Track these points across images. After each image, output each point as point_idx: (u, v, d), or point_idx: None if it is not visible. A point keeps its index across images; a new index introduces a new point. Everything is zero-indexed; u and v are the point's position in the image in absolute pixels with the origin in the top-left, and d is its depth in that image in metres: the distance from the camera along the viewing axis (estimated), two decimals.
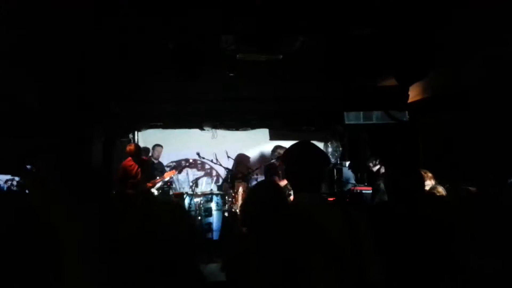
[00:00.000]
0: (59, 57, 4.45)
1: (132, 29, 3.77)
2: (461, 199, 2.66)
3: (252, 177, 8.08)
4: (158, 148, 8.53)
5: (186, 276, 1.84)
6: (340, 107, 6.62)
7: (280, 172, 6.67)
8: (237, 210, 6.54)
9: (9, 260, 1.51)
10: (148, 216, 1.91)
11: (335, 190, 7.80)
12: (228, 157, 8.36)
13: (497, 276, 1.99)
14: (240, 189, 7.22)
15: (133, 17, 3.52)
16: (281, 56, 4.26)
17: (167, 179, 7.55)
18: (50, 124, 5.45)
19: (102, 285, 2.06)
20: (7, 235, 1.56)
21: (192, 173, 8.26)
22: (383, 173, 6.60)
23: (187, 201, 7.92)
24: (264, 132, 9.42)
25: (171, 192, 8.04)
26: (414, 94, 5.91)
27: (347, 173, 8.02)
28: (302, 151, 2.24)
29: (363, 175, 8.13)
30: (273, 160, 7.46)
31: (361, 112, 6.60)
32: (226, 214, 7.63)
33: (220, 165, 8.07)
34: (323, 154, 2.27)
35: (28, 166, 4.38)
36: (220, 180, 9.29)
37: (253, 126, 9.12)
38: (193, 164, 8.34)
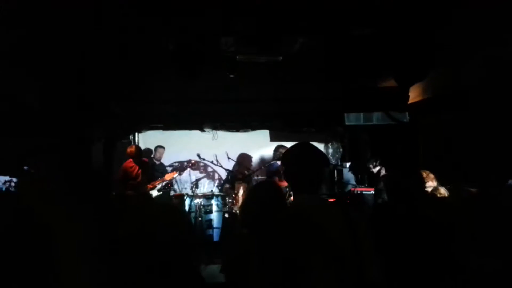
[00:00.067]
0: (59, 57, 4.45)
1: (132, 29, 3.77)
2: (462, 199, 2.65)
3: (253, 178, 8.08)
4: (160, 149, 8.54)
5: (184, 277, 1.84)
6: (341, 108, 6.62)
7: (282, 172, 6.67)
8: (238, 211, 6.53)
9: (8, 261, 1.51)
10: (146, 217, 1.91)
11: (336, 191, 7.80)
12: (229, 158, 8.37)
13: (497, 276, 1.99)
14: (241, 190, 7.22)
15: (133, 17, 3.52)
16: (281, 57, 4.25)
17: (167, 180, 7.55)
18: (50, 124, 5.45)
19: (101, 286, 2.06)
20: (5, 236, 1.55)
21: (193, 175, 8.26)
22: (383, 175, 6.60)
23: (187, 202, 7.93)
24: (265, 134, 9.42)
25: (171, 193, 8.04)
26: (414, 95, 5.90)
27: (348, 174, 8.03)
28: (302, 152, 2.25)
29: (364, 176, 8.13)
30: (277, 162, 7.45)
31: (361, 113, 6.60)
32: (226, 215, 7.63)
33: (221, 166, 8.07)
34: (322, 155, 2.28)
35: (25, 167, 4.37)
36: (221, 181, 9.29)
37: (254, 128, 9.13)
38: (193, 166, 8.33)
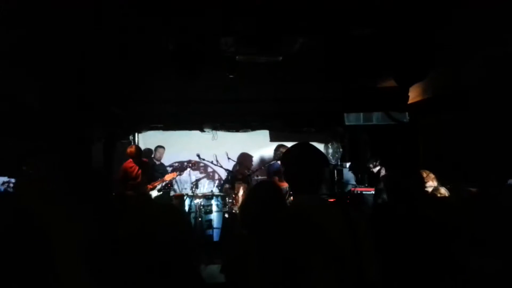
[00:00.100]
0: (59, 57, 4.45)
1: (132, 29, 3.77)
2: (462, 199, 2.65)
3: (253, 178, 8.08)
4: (160, 150, 8.54)
5: (184, 277, 1.84)
6: (340, 108, 6.62)
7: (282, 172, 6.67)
8: (238, 211, 6.53)
9: (7, 261, 1.51)
10: (146, 218, 1.91)
11: (336, 191, 7.80)
12: (229, 158, 8.37)
13: (497, 276, 1.98)
14: (241, 190, 7.22)
15: (133, 17, 3.52)
16: (281, 58, 4.25)
17: (167, 181, 7.55)
18: (50, 124, 5.44)
19: (101, 286, 2.06)
20: (5, 236, 1.55)
21: (193, 175, 8.26)
22: (383, 175, 6.60)
23: (187, 202, 7.93)
24: (265, 134, 9.42)
25: (171, 194, 8.04)
26: (414, 95, 5.90)
27: (348, 174, 8.04)
28: (301, 152, 2.25)
29: (364, 176, 8.14)
30: (278, 162, 7.45)
31: (361, 113, 6.60)
32: (226, 215, 7.63)
33: (221, 166, 8.07)
34: (322, 155, 2.28)
35: (24, 168, 4.37)
36: (221, 182, 9.29)
37: (254, 128, 9.13)
38: (193, 166, 8.33)
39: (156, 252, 1.79)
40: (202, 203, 7.68)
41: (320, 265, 1.91)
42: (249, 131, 9.18)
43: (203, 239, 7.51)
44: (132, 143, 8.64)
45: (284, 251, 1.94)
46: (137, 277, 1.79)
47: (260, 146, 9.33)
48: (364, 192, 6.99)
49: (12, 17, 3.37)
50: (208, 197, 7.86)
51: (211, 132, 9.00)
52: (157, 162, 8.37)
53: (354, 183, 7.80)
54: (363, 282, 2.01)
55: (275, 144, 8.32)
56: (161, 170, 8.19)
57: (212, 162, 8.09)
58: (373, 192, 6.51)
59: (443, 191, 3.45)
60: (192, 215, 7.57)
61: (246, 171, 8.32)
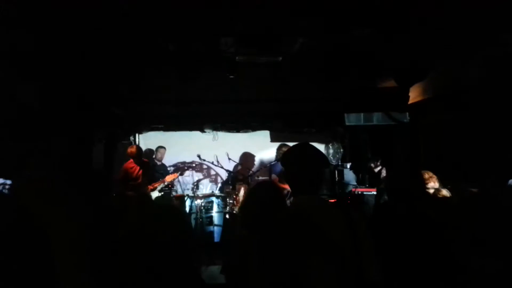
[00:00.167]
0: (59, 57, 4.45)
1: (132, 29, 3.77)
2: (462, 199, 2.65)
3: (254, 178, 8.08)
4: (161, 150, 8.54)
5: (184, 278, 1.84)
6: (341, 108, 6.62)
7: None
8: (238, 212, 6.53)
9: (7, 262, 1.50)
10: (146, 218, 1.91)
11: (336, 192, 7.79)
12: (229, 159, 8.37)
13: (498, 277, 1.98)
14: (241, 191, 7.22)
15: (133, 17, 3.52)
16: (281, 58, 4.25)
17: (168, 182, 7.55)
18: (50, 125, 5.45)
19: (101, 286, 2.06)
20: (3, 237, 1.55)
21: (194, 176, 8.26)
22: (385, 176, 6.60)
23: (188, 203, 7.93)
24: (265, 134, 9.42)
25: (172, 194, 8.04)
26: (414, 95, 5.90)
27: (348, 174, 8.03)
28: (301, 153, 2.25)
29: (364, 176, 8.14)
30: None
31: (362, 114, 6.60)
32: (227, 216, 7.63)
33: (221, 167, 8.07)
34: (322, 155, 2.28)
35: (23, 168, 4.37)
36: (222, 182, 9.29)
37: (254, 128, 9.14)
38: (194, 167, 8.33)
39: (156, 253, 1.79)
40: (202, 204, 7.68)
41: (320, 265, 1.91)
42: (249, 132, 9.19)
43: (204, 240, 7.51)
44: (133, 144, 8.64)
45: (284, 251, 1.94)
46: (137, 277, 1.79)
47: (260, 146, 9.33)
48: (365, 193, 6.99)
49: (12, 17, 3.37)
50: (208, 197, 7.86)
51: (211, 133, 9.01)
52: (158, 163, 8.37)
53: (355, 183, 7.80)
54: (364, 282, 2.01)
55: (275, 145, 8.31)
56: (162, 171, 8.19)
57: (212, 163, 8.09)
58: (374, 193, 6.51)
59: (445, 192, 3.45)
60: (193, 215, 7.57)
61: (247, 171, 8.32)
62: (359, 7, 3.32)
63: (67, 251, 1.93)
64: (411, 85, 5.14)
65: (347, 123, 6.68)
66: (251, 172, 8.28)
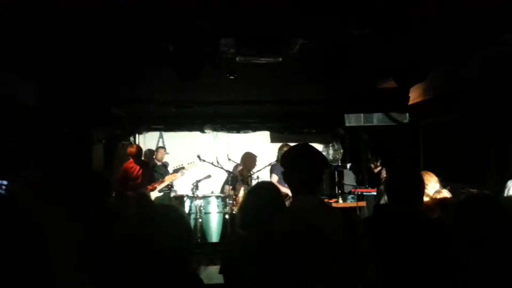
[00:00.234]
0: (59, 57, 4.45)
1: (132, 29, 3.77)
2: (462, 200, 2.64)
3: (254, 179, 8.07)
4: (161, 150, 8.55)
5: (183, 278, 1.83)
6: (341, 109, 6.62)
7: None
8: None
9: (6, 262, 1.50)
10: (145, 218, 1.91)
11: (336, 192, 7.80)
12: (229, 159, 8.37)
13: (498, 277, 1.98)
14: (241, 191, 7.22)
15: (133, 17, 3.52)
16: (281, 59, 4.25)
17: (167, 182, 7.55)
18: (50, 125, 5.45)
19: (101, 286, 2.06)
20: (3, 237, 1.55)
21: (193, 176, 8.25)
22: (384, 177, 6.60)
23: (187, 203, 7.94)
24: (265, 135, 9.42)
25: (172, 195, 8.05)
26: (415, 95, 5.91)
27: (348, 175, 8.03)
28: (301, 153, 2.25)
29: (364, 177, 8.14)
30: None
31: (362, 114, 6.59)
32: (226, 216, 7.63)
33: (221, 167, 8.07)
34: (321, 156, 2.28)
35: (23, 168, 4.38)
36: (221, 183, 9.27)
37: (254, 129, 9.15)
38: (194, 167, 8.31)
39: (155, 253, 1.79)
40: (202, 204, 7.68)
41: (319, 266, 1.91)
42: (249, 132, 9.20)
43: (203, 240, 7.52)
44: (133, 144, 8.65)
45: (283, 252, 1.94)
46: (136, 277, 1.78)
47: (260, 147, 9.33)
48: (364, 193, 7.00)
49: (12, 17, 3.37)
50: (208, 198, 7.86)
51: (211, 133, 9.01)
52: (158, 163, 8.38)
53: (355, 184, 7.81)
54: (363, 282, 2.01)
55: (275, 145, 8.31)
56: (162, 171, 8.19)
57: (212, 163, 8.09)
58: (374, 193, 6.52)
59: (445, 192, 3.44)
60: (192, 216, 7.58)
61: (247, 172, 8.31)
62: (359, 7, 3.32)
63: (66, 251, 1.93)
64: (411, 85, 5.15)
65: (347, 124, 6.68)
66: (251, 172, 8.28)
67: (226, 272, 2.75)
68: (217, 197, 7.96)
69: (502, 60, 4.15)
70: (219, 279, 2.82)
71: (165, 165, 8.45)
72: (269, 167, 7.28)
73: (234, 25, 3.77)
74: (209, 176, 8.73)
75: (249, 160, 8.87)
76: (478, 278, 2.00)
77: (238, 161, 8.82)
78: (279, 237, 1.99)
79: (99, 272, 2.07)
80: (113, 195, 3.88)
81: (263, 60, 4.24)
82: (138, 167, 7.12)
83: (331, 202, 7.09)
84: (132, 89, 6.45)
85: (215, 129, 8.93)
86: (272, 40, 4.06)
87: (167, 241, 1.80)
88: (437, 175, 3.47)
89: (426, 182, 2.94)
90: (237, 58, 4.23)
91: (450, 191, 3.39)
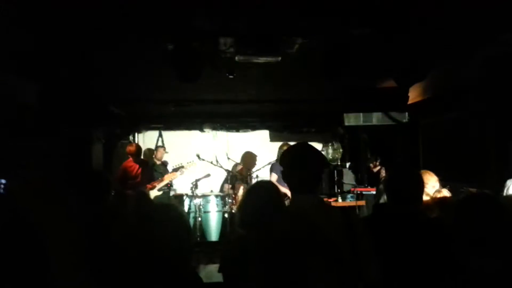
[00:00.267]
0: (59, 57, 4.45)
1: (132, 29, 3.77)
2: (462, 199, 2.64)
3: (253, 178, 8.07)
4: (160, 149, 8.54)
5: (182, 277, 1.84)
6: (340, 108, 6.62)
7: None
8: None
9: (5, 262, 1.51)
10: (145, 218, 1.91)
11: (336, 191, 7.81)
12: (228, 158, 8.37)
13: (498, 277, 1.98)
14: (240, 190, 7.23)
15: (133, 17, 3.52)
16: (280, 58, 4.25)
17: (167, 181, 7.55)
18: (50, 125, 5.45)
19: (100, 286, 2.06)
20: (2, 237, 1.55)
21: (193, 175, 8.25)
22: (383, 176, 6.61)
23: (187, 202, 7.95)
24: (265, 134, 9.42)
25: (171, 194, 8.05)
26: (414, 95, 5.91)
27: (348, 174, 8.04)
28: (300, 153, 2.25)
29: (364, 176, 8.15)
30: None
31: (361, 114, 6.60)
32: (226, 215, 7.64)
33: (221, 166, 8.07)
34: (320, 155, 2.28)
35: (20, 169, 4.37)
36: (221, 182, 9.27)
37: (253, 128, 9.16)
38: (193, 166, 8.31)
39: (155, 252, 1.79)
40: (201, 203, 7.69)
41: (318, 265, 1.91)
42: (249, 132, 9.20)
43: (202, 239, 7.52)
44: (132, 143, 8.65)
45: (282, 251, 1.94)
46: (136, 276, 1.78)
47: (260, 146, 9.33)
48: (364, 192, 7.00)
49: (12, 17, 3.37)
50: (207, 197, 7.87)
51: (211, 132, 9.02)
52: (158, 162, 8.38)
53: (354, 183, 7.81)
54: (363, 282, 2.01)
55: (274, 145, 8.31)
56: (161, 170, 8.19)
57: (212, 163, 8.09)
58: (373, 193, 6.52)
59: (445, 192, 3.45)
60: (192, 214, 7.59)
61: (246, 171, 8.31)
62: (359, 7, 3.32)
63: (66, 250, 1.93)
64: (411, 85, 5.15)
65: (346, 123, 6.68)
66: (250, 171, 8.28)
67: (225, 270, 2.75)
68: (217, 196, 7.96)
69: (502, 60, 4.16)
70: (218, 277, 2.83)
71: (164, 164, 8.44)
72: (269, 166, 7.26)
73: (234, 25, 3.77)
74: (208, 175, 8.73)
75: (249, 159, 8.87)
76: (478, 278, 2.00)
77: (238, 160, 8.82)
78: (279, 236, 1.99)
79: (99, 271, 2.07)
80: (113, 194, 3.87)
81: (262, 60, 4.24)
82: (137, 166, 7.12)
83: (330, 201, 7.09)
84: (132, 88, 6.45)
85: (214, 128, 8.93)
86: (272, 40, 4.06)
87: (166, 240, 1.80)
88: (437, 175, 3.47)
89: (425, 181, 2.94)
90: (236, 58, 4.23)
91: (450, 190, 3.39)
